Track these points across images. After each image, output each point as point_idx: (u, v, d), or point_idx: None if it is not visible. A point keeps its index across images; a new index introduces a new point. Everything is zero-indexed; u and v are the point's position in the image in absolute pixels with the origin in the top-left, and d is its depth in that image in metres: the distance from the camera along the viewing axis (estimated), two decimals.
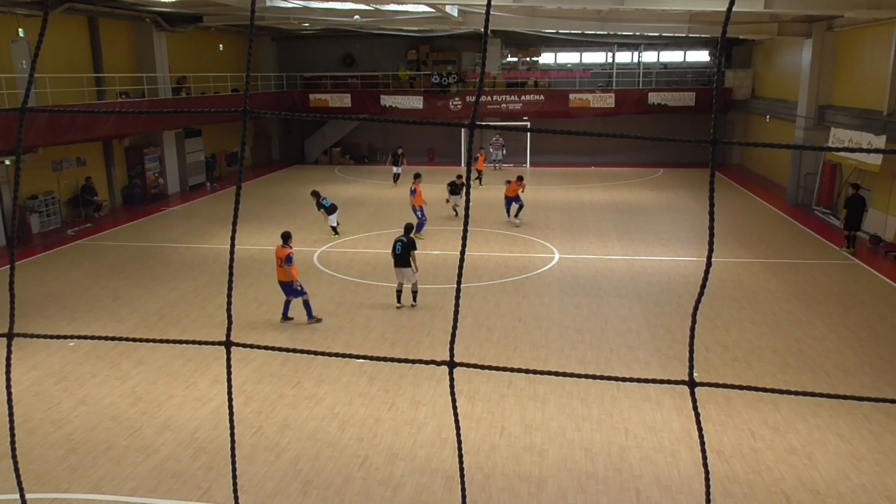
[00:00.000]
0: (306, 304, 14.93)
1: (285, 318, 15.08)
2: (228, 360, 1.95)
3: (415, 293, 15.93)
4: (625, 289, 17.29)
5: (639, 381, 1.81)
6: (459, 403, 11.13)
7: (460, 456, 1.90)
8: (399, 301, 15.92)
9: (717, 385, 1.80)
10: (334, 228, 22.86)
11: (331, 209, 22.61)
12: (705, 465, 1.80)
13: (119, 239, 22.88)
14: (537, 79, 39.08)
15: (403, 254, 15.52)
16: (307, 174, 37.11)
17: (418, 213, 22.65)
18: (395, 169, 33.47)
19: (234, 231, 2.14)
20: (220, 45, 36.71)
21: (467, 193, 1.91)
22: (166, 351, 13.42)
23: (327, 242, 21.96)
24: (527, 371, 1.96)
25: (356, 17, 29.59)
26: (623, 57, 40.49)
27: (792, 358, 13.03)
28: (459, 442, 1.89)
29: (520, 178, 24.59)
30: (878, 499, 8.76)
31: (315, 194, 22.82)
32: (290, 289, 14.78)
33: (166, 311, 15.83)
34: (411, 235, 15.97)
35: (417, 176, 23.77)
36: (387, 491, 8.99)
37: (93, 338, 2.06)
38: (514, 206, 24.52)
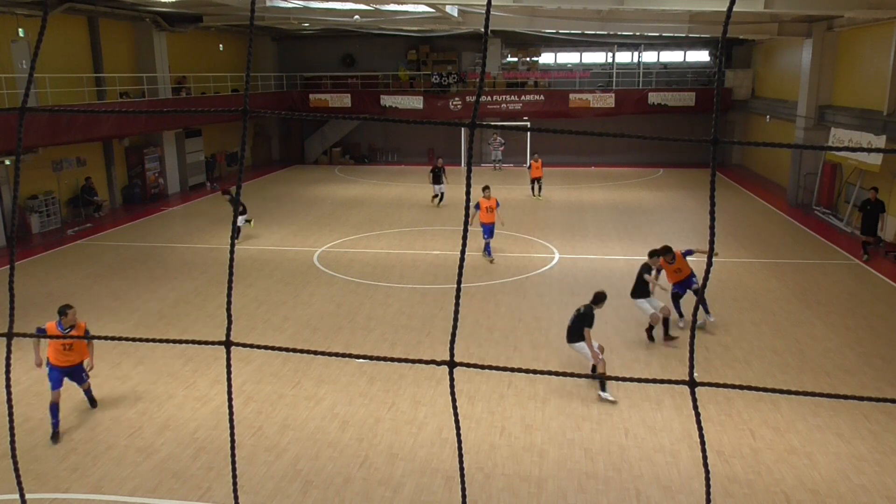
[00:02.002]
0: (88, 393, 11.26)
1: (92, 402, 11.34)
2: (228, 359, 1.95)
3: (602, 381, 11.43)
4: (625, 288, 17.19)
5: (639, 380, 1.82)
6: (459, 403, 11.13)
7: (460, 456, 1.90)
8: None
9: (717, 385, 1.80)
10: (239, 229, 21.84)
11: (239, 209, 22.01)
12: (705, 465, 1.80)
13: (119, 239, 22.87)
14: (537, 79, 39.07)
15: (574, 326, 11.75)
16: (307, 174, 37.13)
17: (486, 232, 19.63)
18: (436, 188, 27.60)
19: (233, 231, 2.14)
20: (220, 45, 36.71)
21: (468, 195, 1.91)
22: (166, 351, 13.42)
23: (327, 242, 21.96)
24: (527, 371, 1.96)
25: (356, 17, 29.59)
26: (623, 57, 40.49)
27: (792, 358, 13.02)
28: (459, 442, 1.89)
29: (688, 254, 14.50)
30: (878, 499, 8.76)
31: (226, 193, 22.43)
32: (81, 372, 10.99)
33: (166, 311, 15.82)
34: (594, 307, 11.82)
35: (486, 188, 19.83)
36: (387, 491, 8.99)
37: (93, 337, 2.06)
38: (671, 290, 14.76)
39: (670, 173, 36.65)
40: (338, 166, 40.01)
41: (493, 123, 2.28)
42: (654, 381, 1.83)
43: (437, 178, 27.42)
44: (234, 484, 2.04)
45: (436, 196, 27.75)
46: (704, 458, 1.80)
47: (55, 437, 10.32)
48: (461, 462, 1.89)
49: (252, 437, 10.36)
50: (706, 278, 1.78)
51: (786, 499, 8.76)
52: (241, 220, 21.84)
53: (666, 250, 14.20)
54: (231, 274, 2.00)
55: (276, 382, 12.11)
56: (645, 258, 14.23)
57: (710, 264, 1.83)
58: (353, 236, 22.80)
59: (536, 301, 16.35)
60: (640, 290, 13.93)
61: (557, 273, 18.67)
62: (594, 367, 11.63)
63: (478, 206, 19.50)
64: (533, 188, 29.41)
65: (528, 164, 30.36)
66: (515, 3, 23.49)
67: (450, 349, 1.87)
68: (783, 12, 24.01)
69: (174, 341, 1.98)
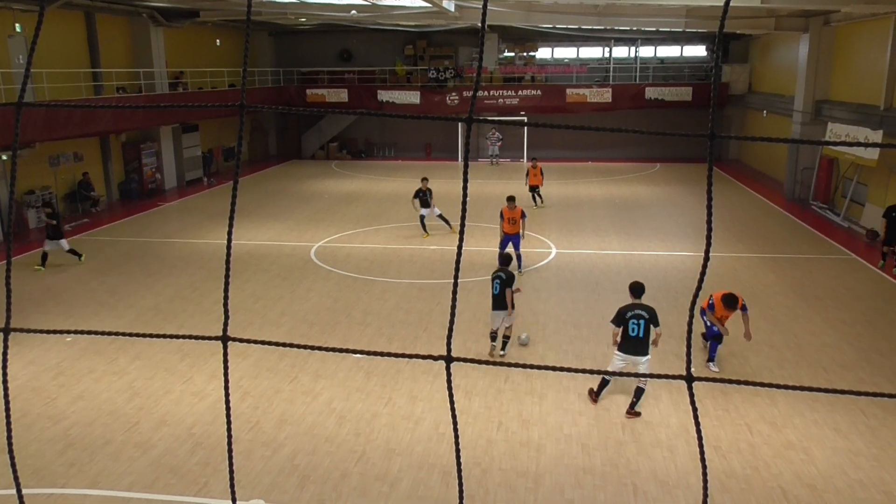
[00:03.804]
0: None
1: None
2: (225, 355, 1.94)
3: (506, 339, 12.93)
4: (622, 284, 17.22)
5: (636, 375, 1.82)
6: (456, 398, 11.13)
7: (457, 451, 1.90)
8: (494, 340, 13.13)
9: (714, 380, 1.80)
10: (45, 254, 18.65)
11: (54, 233, 18.61)
12: (703, 461, 1.80)
13: (116, 234, 22.84)
14: (534, 74, 39.05)
15: (501, 294, 12.59)
16: (304, 169, 37.08)
17: (517, 244, 17.96)
18: (423, 211, 22.09)
19: (230, 226, 2.14)
20: (217, 41, 36.62)
21: (465, 190, 1.90)
22: (163, 346, 13.41)
23: (324, 237, 21.93)
24: (524, 366, 1.96)
25: (353, 12, 29.53)
26: (620, 52, 40.46)
27: (789, 353, 13.04)
28: (457, 437, 1.89)
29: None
30: (875, 493, 8.79)
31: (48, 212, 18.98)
32: None
33: (163, 307, 15.81)
34: (511, 271, 13.06)
35: (511, 198, 18.19)
36: (384, 486, 9.00)
37: (90, 333, 2.06)
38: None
39: (667, 168, 36.65)
40: (335, 161, 39.96)
41: (490, 118, 2.27)
42: (652, 375, 1.84)
43: (423, 201, 22.05)
44: (232, 479, 2.04)
45: (424, 219, 22.30)
46: (702, 453, 1.80)
47: None
48: (458, 457, 1.89)
49: (249, 432, 10.36)
50: (703, 273, 1.78)
51: (783, 494, 8.78)
52: (62, 243, 18.59)
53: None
54: (228, 269, 2.00)
55: (273, 377, 12.11)
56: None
57: (706, 259, 1.82)
58: (350, 231, 22.78)
59: (533, 296, 16.35)
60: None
61: (554, 268, 18.67)
62: (510, 328, 12.92)
63: (501, 216, 17.92)
64: (533, 197, 26.35)
65: (526, 170, 26.93)
66: None
67: (447, 344, 1.87)
68: (780, 7, 24.02)
69: (171, 336, 1.98)
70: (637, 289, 11.06)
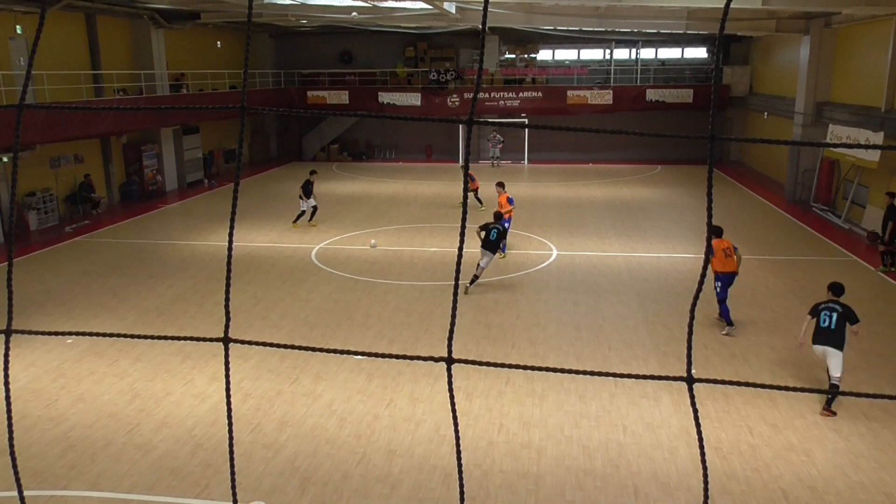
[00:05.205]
0: None
1: None
2: (226, 356, 1.94)
3: (477, 277, 16.54)
4: (623, 285, 17.28)
5: (637, 377, 1.82)
6: (457, 400, 11.13)
7: (458, 452, 1.90)
8: (472, 283, 16.58)
9: (715, 381, 1.80)
10: None
11: None
12: (703, 462, 1.80)
13: (117, 236, 22.85)
14: (535, 75, 39.05)
15: (497, 240, 16.43)
16: (305, 171, 36.92)
17: (506, 224, 18.38)
18: (303, 204, 23.39)
19: (231, 228, 2.14)
20: (218, 42, 36.65)
21: (465, 192, 1.90)
22: (164, 348, 13.41)
23: (325, 239, 21.93)
24: (525, 367, 1.96)
25: (354, 13, 29.56)
26: (621, 54, 40.48)
27: (789, 354, 13.03)
28: (457, 438, 1.89)
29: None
30: (875, 495, 8.78)
31: None
32: None
33: (164, 308, 15.81)
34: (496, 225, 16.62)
35: (500, 185, 19.86)
36: (385, 488, 9.00)
37: (91, 334, 2.06)
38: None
39: (668, 170, 36.65)
40: (335, 163, 39.98)
41: (490, 120, 2.27)
42: (652, 377, 1.83)
43: (307, 192, 23.12)
44: (233, 481, 2.04)
45: (303, 214, 23.47)
46: (702, 454, 1.80)
47: None
48: (459, 459, 1.89)
49: (250, 433, 10.36)
50: (703, 275, 1.78)
51: (784, 495, 8.77)
52: None
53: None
54: (229, 271, 2.00)
55: (273, 379, 12.11)
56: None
57: (707, 261, 1.83)
58: (350, 233, 22.78)
59: (534, 298, 16.35)
60: None
61: (555, 270, 18.67)
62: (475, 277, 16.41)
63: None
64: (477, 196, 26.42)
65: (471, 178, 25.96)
66: None
67: (448, 346, 1.87)
68: (781, 9, 24.03)
69: (172, 338, 1.98)
70: (835, 287, 11.37)
